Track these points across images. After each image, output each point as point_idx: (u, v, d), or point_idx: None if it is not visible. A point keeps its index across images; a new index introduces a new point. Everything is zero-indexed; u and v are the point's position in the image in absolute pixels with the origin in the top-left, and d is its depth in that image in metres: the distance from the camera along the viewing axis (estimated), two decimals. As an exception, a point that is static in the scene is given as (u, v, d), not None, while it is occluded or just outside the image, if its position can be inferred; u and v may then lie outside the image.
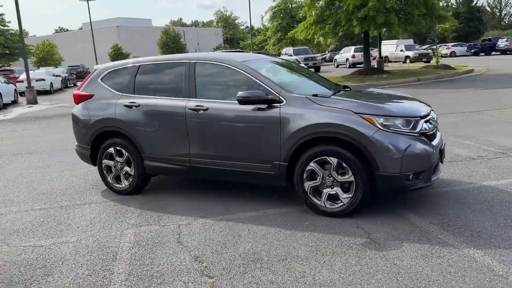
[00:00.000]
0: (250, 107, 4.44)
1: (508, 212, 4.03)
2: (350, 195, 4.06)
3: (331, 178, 4.13)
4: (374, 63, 24.75)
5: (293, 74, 5.36)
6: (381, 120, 3.99)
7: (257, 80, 4.52)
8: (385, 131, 3.94)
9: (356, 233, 3.79)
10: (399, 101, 4.72)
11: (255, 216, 4.36)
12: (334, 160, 4.07)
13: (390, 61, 37.98)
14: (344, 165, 4.03)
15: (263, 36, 58.78)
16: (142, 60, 5.42)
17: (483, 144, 6.69)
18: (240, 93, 4.37)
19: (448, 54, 44.78)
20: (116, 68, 5.51)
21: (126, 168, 5.26)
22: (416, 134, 4.05)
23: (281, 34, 46.38)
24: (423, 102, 4.83)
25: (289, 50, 33.96)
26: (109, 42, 62.52)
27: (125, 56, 58.25)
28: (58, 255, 3.73)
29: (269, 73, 4.84)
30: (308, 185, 4.24)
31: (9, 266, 3.59)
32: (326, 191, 4.17)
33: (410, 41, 40.80)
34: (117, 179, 5.39)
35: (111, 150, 5.30)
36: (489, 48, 45.40)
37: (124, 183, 5.32)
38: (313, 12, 20.71)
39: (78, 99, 5.64)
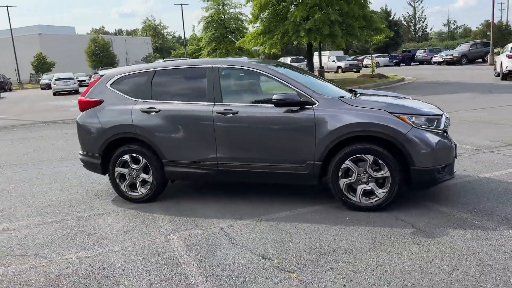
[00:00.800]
0: (282, 109, 4.58)
1: (518, 198, 4.55)
2: (386, 190, 4.34)
3: (367, 175, 4.38)
4: (315, 73, 25.79)
5: (308, 77, 5.57)
6: (413, 118, 4.33)
7: (288, 84, 4.68)
8: (417, 128, 4.29)
9: (399, 224, 4.06)
10: (414, 101, 5.12)
11: (292, 215, 4.48)
12: (370, 158, 4.33)
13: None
14: (380, 161, 4.30)
15: (195, 46, 58.91)
16: (157, 65, 5.35)
17: (457, 143, 7.36)
18: (275, 96, 4.50)
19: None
20: (127, 74, 5.38)
21: (143, 175, 5.13)
22: (440, 131, 4.44)
23: (216, 44, 46.77)
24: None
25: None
26: (31, 51, 58.75)
27: (50, 65, 55.09)
28: (114, 264, 3.59)
29: (294, 76, 5.01)
30: (343, 182, 4.46)
31: (66, 278, 3.40)
32: (361, 187, 4.41)
33: (341, 53, 43.01)
34: (132, 187, 5.23)
35: (126, 157, 5.14)
36: (409, 59, 49.10)
37: (141, 191, 5.18)
38: (258, 23, 21.29)
39: (85, 105, 5.41)
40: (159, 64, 5.42)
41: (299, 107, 4.54)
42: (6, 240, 4.30)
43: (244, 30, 48.22)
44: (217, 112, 4.78)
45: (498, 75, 19.96)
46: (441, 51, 46.15)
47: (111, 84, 5.37)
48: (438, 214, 4.24)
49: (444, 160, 4.36)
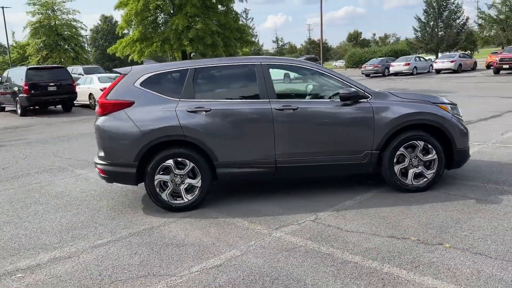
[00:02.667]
0: (339, 103, 4.85)
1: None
2: (433, 171, 4.98)
3: (417, 159, 4.96)
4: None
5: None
6: (449, 107, 5.09)
7: (342, 80, 4.97)
8: (454, 116, 5.05)
9: (456, 198, 4.71)
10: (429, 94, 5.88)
11: (359, 202, 4.76)
12: (421, 143, 4.92)
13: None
14: (429, 146, 4.93)
15: (17, 54, 52.96)
16: (195, 63, 5.01)
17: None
18: (342, 91, 4.75)
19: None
20: (159, 72, 4.91)
21: (189, 181, 4.76)
22: (461, 118, 5.30)
23: (47, 52, 42.75)
24: None
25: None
26: None
27: None
28: (256, 273, 3.37)
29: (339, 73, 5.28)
30: (398, 168, 4.94)
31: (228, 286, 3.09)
32: (412, 171, 4.97)
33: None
34: (174, 194, 4.80)
35: (169, 162, 4.70)
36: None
37: (186, 198, 4.78)
38: (130, 29, 20.44)
39: (111, 108, 4.74)
40: (196, 62, 5.08)
41: (352, 101, 4.86)
42: (77, 270, 3.56)
43: (80, 38, 45.12)
44: (276, 109, 4.77)
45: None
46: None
47: (140, 84, 4.83)
48: (479, 188, 4.98)
49: (468, 142, 5.21)
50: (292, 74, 6.22)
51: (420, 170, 4.97)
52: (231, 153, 4.77)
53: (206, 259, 3.59)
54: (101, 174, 4.88)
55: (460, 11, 49.93)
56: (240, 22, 21.78)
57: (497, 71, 27.68)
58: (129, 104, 4.74)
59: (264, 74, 4.88)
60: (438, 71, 33.51)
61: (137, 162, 4.69)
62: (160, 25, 20.09)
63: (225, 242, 3.90)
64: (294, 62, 5.17)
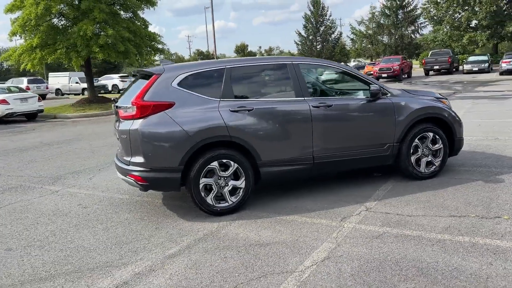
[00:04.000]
0: (365, 99, 5.17)
1: None
2: (440, 159, 5.56)
3: (427, 149, 5.50)
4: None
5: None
6: (447, 102, 5.74)
7: (365, 78, 5.30)
8: (450, 108, 5.72)
9: (468, 181, 5.34)
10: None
11: (390, 190, 5.10)
12: (430, 134, 5.47)
13: (63, 94, 36.93)
14: (437, 137, 5.51)
15: None
16: (228, 62, 4.88)
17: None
18: (373, 88, 5.07)
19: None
20: (195, 72, 4.69)
21: (233, 182, 4.63)
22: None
23: None
24: None
25: None
26: None
27: None
28: (373, 260, 3.49)
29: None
30: (414, 158, 5.43)
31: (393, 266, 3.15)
32: (424, 159, 5.49)
33: (82, 74, 40.60)
34: (218, 198, 4.62)
35: (214, 164, 4.52)
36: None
37: (231, 200, 4.64)
38: (23, 35, 18.48)
39: (152, 110, 4.39)
40: (229, 61, 4.94)
41: (378, 97, 5.22)
42: (178, 281, 3.29)
43: None
44: (313, 106, 4.90)
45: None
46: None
47: (178, 84, 4.56)
48: (483, 173, 5.71)
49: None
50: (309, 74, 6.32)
51: (430, 159, 5.52)
52: (273, 151, 4.76)
53: (308, 254, 3.57)
54: (139, 182, 4.46)
55: (334, 27, 54.90)
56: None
57: (377, 79, 31.12)
58: (170, 105, 4.45)
59: (297, 73, 4.98)
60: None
61: (182, 166, 4.42)
62: (62, 31, 18.42)
63: (307, 237, 3.90)
64: (320, 61, 5.36)
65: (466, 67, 32.63)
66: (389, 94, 5.32)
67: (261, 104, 4.75)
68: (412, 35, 50.21)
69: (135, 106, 4.43)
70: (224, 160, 4.56)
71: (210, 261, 3.55)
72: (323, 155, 4.98)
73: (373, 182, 5.51)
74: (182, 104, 4.49)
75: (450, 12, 41.79)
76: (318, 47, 53.52)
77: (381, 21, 50.94)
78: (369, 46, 52.12)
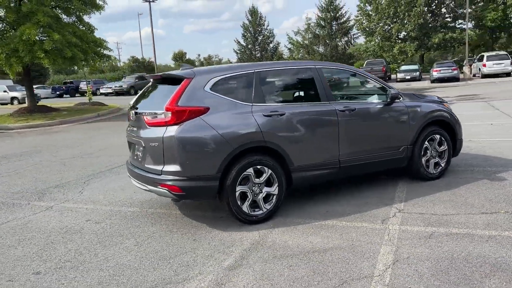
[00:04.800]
0: (382, 103, 5.29)
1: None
2: (445, 160, 5.82)
3: (435, 150, 5.73)
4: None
5: None
6: (447, 105, 6.03)
7: (380, 84, 5.41)
8: (452, 111, 6.01)
9: (475, 180, 5.62)
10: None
11: (409, 192, 5.23)
12: (437, 137, 5.70)
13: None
14: (443, 138, 5.76)
15: None
16: (256, 66, 4.74)
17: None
18: (393, 91, 5.19)
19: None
20: (225, 76, 4.51)
21: (267, 189, 4.51)
22: None
23: None
24: None
25: None
26: None
27: None
28: (447, 258, 3.55)
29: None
30: (424, 159, 5.62)
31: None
32: (432, 161, 5.71)
33: (10, 82, 37.73)
34: (252, 205, 4.47)
35: (249, 171, 4.38)
36: (74, 90, 48.40)
37: (265, 208, 4.51)
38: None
39: (188, 116, 4.15)
40: (256, 65, 4.80)
41: (393, 101, 5.35)
42: (270, 288, 3.12)
43: None
44: (339, 110, 4.91)
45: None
46: (104, 83, 48.10)
47: (210, 88, 4.36)
48: (468, 171, 6.04)
49: (461, 133, 6.25)
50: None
51: (437, 160, 5.75)
52: (304, 156, 4.70)
53: (374, 258, 3.53)
54: (174, 192, 4.18)
55: (272, 36, 55.98)
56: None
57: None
58: (205, 110, 4.23)
59: (321, 77, 4.98)
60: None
61: (220, 174, 4.22)
62: (0, 35, 16.99)
63: (360, 242, 3.87)
64: (340, 66, 5.39)
65: (400, 75, 34.79)
66: (401, 98, 5.48)
67: (292, 108, 4.68)
68: (346, 46, 52.45)
69: (169, 112, 4.16)
70: (259, 167, 4.42)
71: (277, 270, 3.40)
72: (348, 159, 5.00)
73: (385, 184, 5.62)
74: (216, 109, 4.30)
75: (381, 24, 44.28)
76: (257, 55, 54.20)
77: (317, 32, 52.73)
78: (306, 56, 53.67)
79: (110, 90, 43.61)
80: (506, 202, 4.65)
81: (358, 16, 47.58)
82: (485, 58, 30.96)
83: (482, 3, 43.51)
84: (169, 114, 4.16)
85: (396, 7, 41.62)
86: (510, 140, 8.04)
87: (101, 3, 19.39)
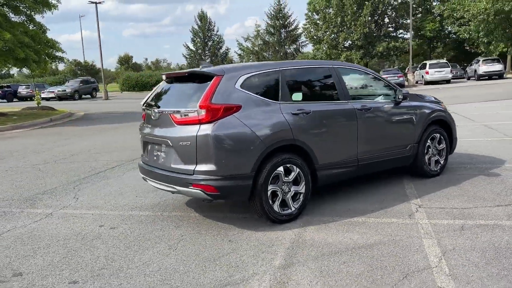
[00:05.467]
0: (392, 103, 5.44)
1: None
2: (444, 157, 6.09)
3: (435, 149, 5.97)
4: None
5: None
6: (444, 105, 6.31)
7: (386, 82, 5.57)
8: (447, 111, 6.30)
9: (472, 176, 5.92)
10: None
11: (417, 189, 5.41)
12: (438, 136, 5.95)
13: None
14: (442, 137, 6.02)
15: None
16: (280, 65, 4.70)
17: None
18: (404, 92, 5.35)
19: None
20: (254, 73, 4.45)
21: (294, 188, 4.49)
22: None
23: None
24: None
25: None
26: None
27: None
28: (489, 248, 3.69)
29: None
30: (427, 157, 5.85)
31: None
32: (433, 159, 5.95)
33: None
34: (281, 205, 4.43)
35: (280, 170, 4.34)
36: (11, 95, 45.41)
37: (293, 207, 4.48)
38: None
39: (223, 113, 4.04)
40: (279, 63, 4.75)
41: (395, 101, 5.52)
42: None
43: None
44: (358, 109, 5.00)
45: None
46: (45, 87, 45.70)
47: (240, 86, 4.28)
48: (460, 169, 6.37)
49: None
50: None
51: (437, 158, 6.00)
52: (328, 155, 4.72)
53: (421, 251, 3.60)
54: (208, 192, 4.03)
55: (222, 42, 56.01)
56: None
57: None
58: (238, 108, 4.14)
59: (339, 76, 5.04)
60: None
61: (254, 173, 4.13)
62: None
63: (399, 236, 3.94)
64: (352, 66, 5.48)
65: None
66: (407, 98, 5.67)
67: (315, 106, 4.69)
68: (294, 53, 53.60)
69: (203, 110, 4.02)
70: (288, 165, 4.39)
71: (333, 267, 3.38)
72: (365, 157, 5.09)
73: (391, 182, 5.77)
74: (247, 106, 4.22)
75: (328, 33, 45.75)
76: (207, 60, 53.91)
77: (266, 39, 53.48)
78: (256, 62, 54.19)
79: (52, 95, 41.49)
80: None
81: (306, 25, 48.86)
82: (427, 66, 32.90)
83: (421, 14, 46.27)
84: (203, 112, 4.03)
85: (343, 16, 43.19)
86: (482, 140, 8.58)
87: (54, 1, 18.39)
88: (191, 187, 4.10)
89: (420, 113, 5.68)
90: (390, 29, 46.26)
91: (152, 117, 4.56)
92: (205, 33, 53.55)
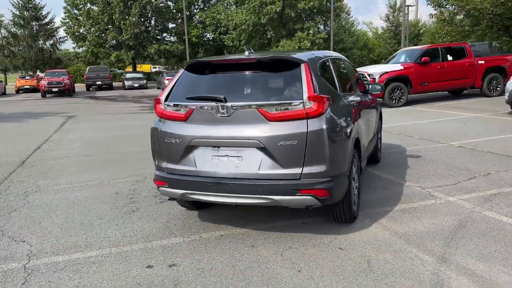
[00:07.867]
0: (365, 95, 5.71)
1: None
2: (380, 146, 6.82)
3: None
4: None
5: None
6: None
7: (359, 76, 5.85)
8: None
9: (407, 157, 6.83)
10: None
11: (387, 174, 5.93)
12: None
13: None
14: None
15: None
16: (323, 53, 4.34)
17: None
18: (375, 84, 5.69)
19: None
20: (322, 61, 4.05)
21: (354, 184, 4.30)
22: None
23: None
24: None
25: None
26: None
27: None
28: None
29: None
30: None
31: None
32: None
33: None
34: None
35: (354, 165, 4.11)
36: None
37: (356, 202, 4.29)
38: None
39: (328, 105, 3.56)
40: (319, 52, 4.34)
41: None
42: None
43: None
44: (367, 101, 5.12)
45: None
46: None
47: (319, 74, 3.81)
48: (386, 151, 7.24)
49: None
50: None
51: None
52: (364, 147, 4.71)
53: (502, 220, 4.05)
54: (321, 197, 3.40)
55: None
56: None
57: (44, 95, 28.52)
58: (328, 98, 3.65)
59: (349, 68, 5.05)
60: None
61: (348, 171, 3.76)
62: None
63: (464, 213, 4.27)
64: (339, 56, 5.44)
65: (127, 83, 34.26)
66: (364, 90, 6.07)
67: (353, 97, 4.59)
68: (52, 49, 47.70)
69: (313, 102, 3.38)
70: (354, 160, 4.16)
71: (470, 248, 3.46)
72: (368, 149, 5.23)
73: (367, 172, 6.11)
74: (333, 98, 3.79)
75: (92, 30, 42.67)
76: None
77: (14, 31, 45.83)
78: (3, 58, 45.76)
79: None
80: (463, 169, 5.94)
81: (65, 19, 44.36)
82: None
83: (181, 20, 48.21)
84: (312, 104, 3.40)
85: (111, 14, 41.12)
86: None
87: None
88: (299, 194, 3.41)
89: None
90: (157, 31, 46.48)
91: (219, 114, 3.52)
92: None
